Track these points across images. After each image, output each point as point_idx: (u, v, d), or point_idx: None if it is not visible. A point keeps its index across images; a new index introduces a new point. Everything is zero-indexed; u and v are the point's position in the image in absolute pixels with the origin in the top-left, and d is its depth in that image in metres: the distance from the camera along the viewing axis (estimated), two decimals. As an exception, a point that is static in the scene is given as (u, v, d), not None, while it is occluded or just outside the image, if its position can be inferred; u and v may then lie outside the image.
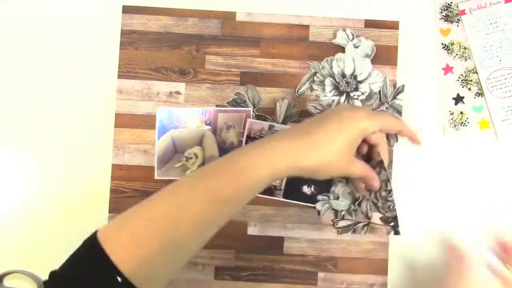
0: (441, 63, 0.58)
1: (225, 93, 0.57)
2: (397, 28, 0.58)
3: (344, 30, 0.57)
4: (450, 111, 0.57)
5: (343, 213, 0.56)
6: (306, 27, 0.58)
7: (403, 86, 0.57)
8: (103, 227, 0.39)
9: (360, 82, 0.56)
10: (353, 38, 0.57)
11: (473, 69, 0.57)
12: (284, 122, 0.57)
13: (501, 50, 0.57)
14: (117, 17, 0.58)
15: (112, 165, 0.57)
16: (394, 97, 0.57)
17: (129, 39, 0.57)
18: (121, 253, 0.36)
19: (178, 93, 0.57)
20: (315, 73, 0.57)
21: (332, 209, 0.56)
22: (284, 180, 0.56)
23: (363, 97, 0.56)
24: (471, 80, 0.57)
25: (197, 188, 0.39)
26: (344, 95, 0.57)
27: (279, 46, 0.58)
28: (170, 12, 0.58)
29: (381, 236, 0.56)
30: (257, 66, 0.58)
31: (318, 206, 0.56)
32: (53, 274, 0.37)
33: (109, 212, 0.56)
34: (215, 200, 0.39)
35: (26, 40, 0.58)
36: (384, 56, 0.58)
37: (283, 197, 0.56)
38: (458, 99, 0.57)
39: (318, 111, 0.57)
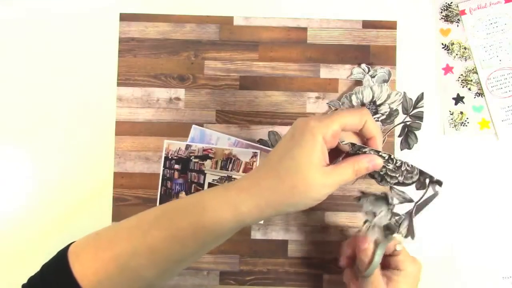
0: (441, 63, 0.58)
1: (225, 98, 0.57)
2: (395, 28, 0.58)
3: (359, 66, 0.57)
4: (450, 111, 0.57)
5: (393, 221, 0.46)
6: (304, 29, 0.58)
7: (422, 94, 0.57)
8: (77, 240, 0.41)
9: (380, 105, 0.57)
10: (369, 71, 0.57)
11: (473, 69, 0.57)
12: None
13: (501, 50, 0.57)
14: (115, 25, 0.58)
15: (114, 173, 0.57)
16: (415, 107, 0.57)
17: (127, 46, 0.58)
18: (83, 269, 0.38)
19: (178, 99, 0.57)
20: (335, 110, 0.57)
21: (382, 226, 0.46)
22: None
23: (383, 117, 0.57)
24: (471, 80, 0.57)
25: (159, 221, 0.39)
26: None
27: (277, 49, 0.58)
28: (167, 19, 0.58)
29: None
30: (256, 70, 0.58)
31: (371, 236, 0.46)
32: (29, 279, 0.40)
33: (112, 220, 0.56)
34: (174, 236, 0.38)
35: (23, 52, 0.58)
36: (383, 56, 0.58)
37: None
38: (458, 99, 0.57)
39: (344, 142, 0.45)
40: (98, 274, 0.38)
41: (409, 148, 0.57)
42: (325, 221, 0.57)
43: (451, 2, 0.58)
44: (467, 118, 0.57)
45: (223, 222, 0.38)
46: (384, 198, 0.46)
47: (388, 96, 0.56)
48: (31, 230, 0.56)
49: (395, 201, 0.47)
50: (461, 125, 0.57)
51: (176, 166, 0.56)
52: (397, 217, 0.46)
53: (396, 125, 0.57)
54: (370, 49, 0.58)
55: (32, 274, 0.40)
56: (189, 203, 0.39)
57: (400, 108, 0.57)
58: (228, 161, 0.55)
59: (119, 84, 0.57)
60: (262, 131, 0.57)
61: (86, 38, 0.58)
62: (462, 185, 0.57)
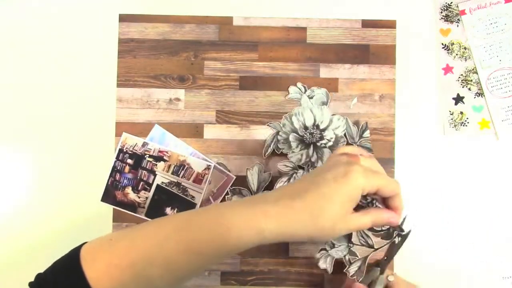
0: (441, 63, 0.58)
1: (225, 98, 0.57)
2: (395, 27, 0.58)
3: (295, 85, 0.57)
4: (450, 111, 0.57)
5: (347, 257, 0.52)
6: (304, 29, 0.58)
7: (366, 123, 0.56)
8: (89, 242, 0.40)
9: (324, 130, 0.56)
10: (305, 91, 0.57)
11: (473, 69, 0.57)
12: (258, 188, 0.56)
13: (501, 50, 0.57)
14: (114, 26, 0.58)
15: (114, 174, 0.57)
16: (361, 137, 0.56)
17: (126, 47, 0.57)
18: (98, 275, 0.38)
19: (178, 99, 0.57)
20: (277, 133, 0.56)
21: (336, 259, 0.53)
22: (149, 199, 0.55)
23: (330, 143, 0.56)
24: (471, 80, 0.57)
25: (179, 234, 0.39)
26: (311, 146, 0.56)
27: (277, 49, 0.58)
28: (167, 19, 0.58)
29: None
30: (256, 70, 0.58)
31: (322, 264, 0.53)
32: (38, 276, 0.40)
33: (113, 221, 0.56)
34: (193, 251, 0.38)
35: (23, 54, 0.58)
36: (382, 55, 0.58)
37: (145, 215, 0.56)
38: (458, 99, 0.57)
39: (289, 168, 0.55)
40: (113, 281, 0.38)
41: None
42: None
43: (451, 2, 0.58)
44: (467, 118, 0.57)
45: (246, 243, 0.38)
46: (346, 236, 0.52)
47: (331, 121, 0.56)
48: (32, 230, 0.56)
49: (356, 241, 0.52)
50: (461, 125, 0.57)
51: (129, 161, 0.56)
52: (351, 256, 0.52)
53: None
54: (369, 48, 0.58)
55: (32, 275, 0.40)
56: (212, 220, 0.39)
57: (346, 135, 0.56)
58: (181, 167, 0.55)
59: (119, 85, 0.57)
60: (262, 131, 0.57)
61: (86, 39, 0.58)
62: (462, 185, 0.57)
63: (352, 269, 0.51)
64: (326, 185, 0.39)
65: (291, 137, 0.56)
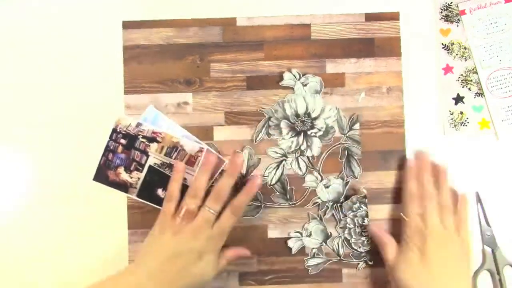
0: (441, 63, 0.58)
1: (233, 99, 0.57)
2: (398, 19, 0.58)
3: (290, 71, 0.57)
4: (450, 111, 0.58)
5: (314, 250, 0.56)
6: (307, 26, 0.58)
7: (357, 116, 0.57)
8: None
9: (315, 119, 0.56)
10: (300, 77, 0.57)
11: (473, 69, 0.57)
12: (247, 172, 0.56)
13: (501, 50, 0.57)
14: (118, 33, 0.58)
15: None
16: (351, 128, 0.57)
17: (132, 54, 0.57)
18: None
19: (186, 103, 0.57)
20: (269, 118, 0.57)
21: (304, 246, 0.56)
22: (141, 180, 0.56)
23: (320, 133, 0.56)
24: (471, 80, 0.57)
25: None
26: (302, 134, 0.56)
27: (282, 47, 0.58)
28: (170, 24, 0.58)
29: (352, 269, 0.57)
30: (262, 69, 0.58)
31: (290, 243, 0.56)
32: None
33: (129, 228, 0.56)
34: None
35: (26, 62, 0.58)
36: (387, 48, 0.58)
37: (137, 196, 0.56)
38: (458, 99, 0.58)
39: (279, 155, 0.56)
40: None
41: (355, 177, 0.56)
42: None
43: (451, 2, 0.58)
44: (467, 118, 0.57)
45: None
46: (325, 235, 0.57)
47: (323, 110, 0.56)
48: (45, 242, 0.56)
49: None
50: (461, 125, 0.57)
51: (122, 141, 0.56)
52: (318, 252, 0.57)
53: (334, 146, 0.57)
54: (374, 42, 0.58)
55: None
56: None
57: (336, 126, 0.57)
58: (174, 149, 0.55)
59: (126, 92, 0.57)
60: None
61: (90, 48, 0.58)
62: (462, 185, 0.56)
63: (311, 262, 0.56)
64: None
65: (283, 124, 0.56)
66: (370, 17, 0.58)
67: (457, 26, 0.58)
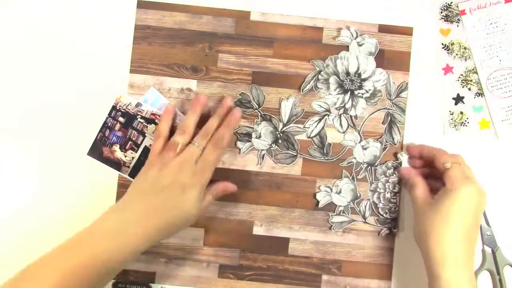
0: (441, 63, 0.58)
1: (237, 92, 0.57)
2: (411, 34, 0.58)
3: (348, 28, 0.57)
4: (450, 111, 0.58)
5: (340, 208, 0.56)
6: (320, 29, 0.58)
7: (406, 84, 0.57)
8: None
9: (364, 80, 0.57)
10: (356, 36, 0.57)
11: (473, 69, 0.57)
12: (289, 121, 0.57)
13: (501, 50, 0.57)
14: (132, 11, 0.58)
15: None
16: (398, 95, 0.57)
17: (142, 34, 0.58)
18: None
19: (189, 90, 0.57)
20: (319, 72, 0.57)
21: (332, 202, 0.57)
22: (135, 159, 0.56)
23: (367, 95, 0.57)
24: (471, 80, 0.57)
25: (53, 258, 0.45)
26: (349, 93, 0.57)
27: (292, 47, 0.58)
28: (185, 9, 0.58)
29: (373, 236, 0.57)
30: (269, 66, 0.58)
31: (319, 196, 0.56)
32: None
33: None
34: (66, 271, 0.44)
35: (38, 34, 0.58)
36: (397, 62, 0.58)
37: (129, 175, 0.56)
38: (458, 99, 0.58)
39: (323, 109, 0.57)
40: None
41: (394, 144, 0.57)
42: (328, 222, 0.57)
43: (451, 2, 0.58)
44: (467, 118, 0.57)
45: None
46: (354, 194, 0.57)
47: (373, 72, 0.57)
48: (35, 219, 0.57)
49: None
50: (461, 125, 0.57)
51: (120, 119, 0.56)
52: (344, 211, 0.57)
53: (379, 110, 0.57)
54: (384, 54, 0.58)
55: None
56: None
57: (384, 90, 0.57)
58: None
59: (131, 71, 0.57)
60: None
61: (102, 24, 0.58)
62: None
63: (336, 219, 0.56)
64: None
65: (332, 79, 0.57)
66: (384, 28, 0.58)
67: (457, 26, 0.58)
